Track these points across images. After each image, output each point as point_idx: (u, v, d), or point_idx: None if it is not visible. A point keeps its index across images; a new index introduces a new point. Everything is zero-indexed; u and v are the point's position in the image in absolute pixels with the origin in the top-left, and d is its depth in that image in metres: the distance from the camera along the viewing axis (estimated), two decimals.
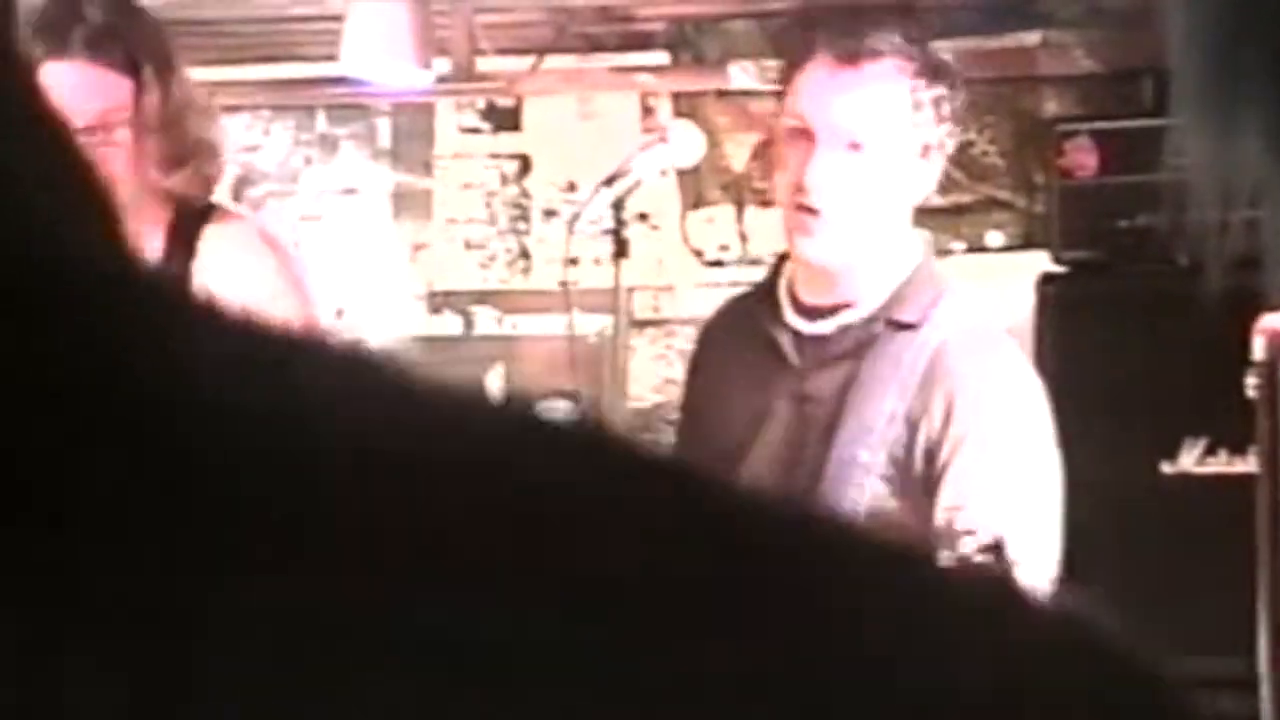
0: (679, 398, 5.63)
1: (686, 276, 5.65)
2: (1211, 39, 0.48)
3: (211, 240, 2.95)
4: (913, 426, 2.62)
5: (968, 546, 2.34)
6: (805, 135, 2.64)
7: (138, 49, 2.82)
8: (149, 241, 2.94)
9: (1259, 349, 3.19)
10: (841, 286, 2.70)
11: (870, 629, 0.39)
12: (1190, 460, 4.30)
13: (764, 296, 2.82)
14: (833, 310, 2.71)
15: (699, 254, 5.66)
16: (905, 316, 2.68)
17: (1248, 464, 3.88)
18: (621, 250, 2.75)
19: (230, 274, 2.94)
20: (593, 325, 4.29)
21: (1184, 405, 4.17)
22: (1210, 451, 4.26)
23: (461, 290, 5.76)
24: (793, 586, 0.39)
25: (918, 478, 2.61)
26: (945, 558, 2.38)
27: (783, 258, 2.84)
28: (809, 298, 2.74)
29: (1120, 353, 4.29)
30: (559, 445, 0.43)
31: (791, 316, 2.74)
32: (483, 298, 5.75)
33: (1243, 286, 0.57)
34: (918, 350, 2.64)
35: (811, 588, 0.39)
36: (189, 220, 2.95)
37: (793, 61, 2.69)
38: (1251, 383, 3.21)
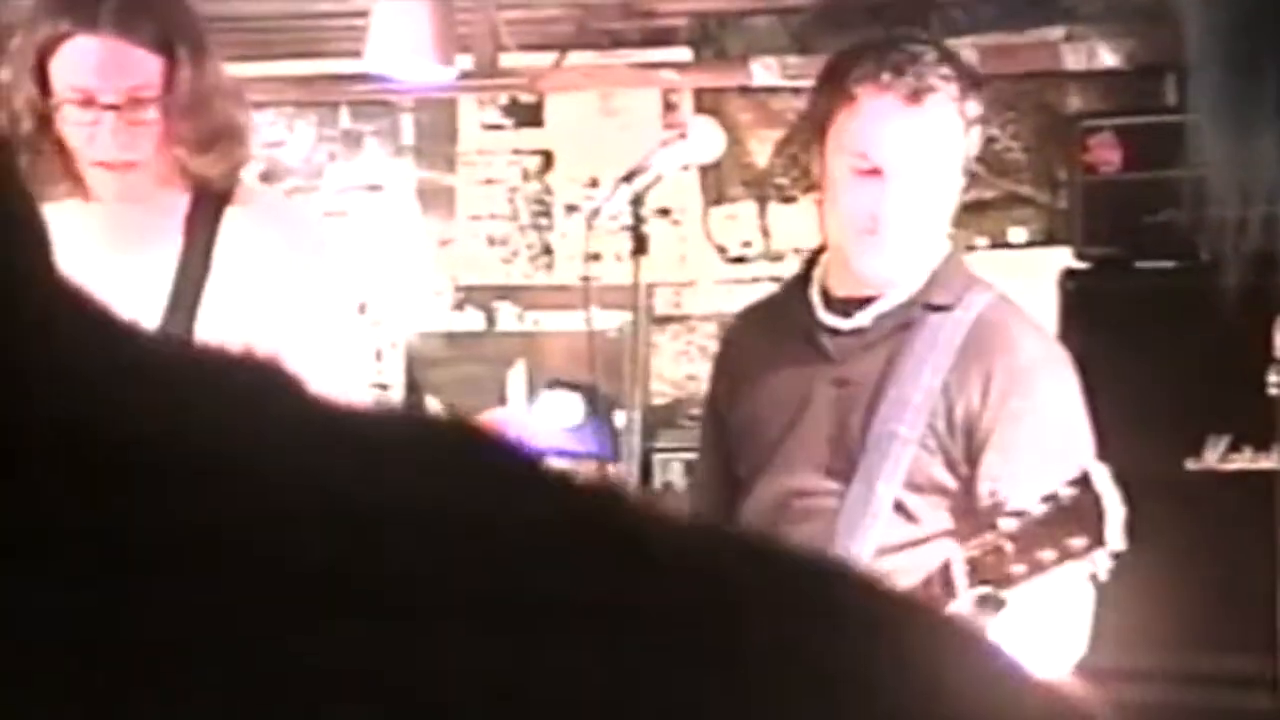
0: (700, 393, 5.64)
1: (708, 272, 5.65)
2: (1230, 38, 0.48)
3: (234, 220, 2.94)
4: (951, 400, 2.67)
5: (1057, 484, 2.43)
6: (873, 172, 2.66)
7: (169, 28, 2.80)
8: (170, 221, 2.92)
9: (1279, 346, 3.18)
10: (869, 276, 2.74)
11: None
12: (1214, 457, 4.29)
13: (796, 293, 2.83)
14: (866, 302, 2.74)
15: (721, 250, 5.66)
16: (940, 299, 2.73)
17: (1272, 460, 3.87)
18: (641, 246, 2.75)
19: (252, 254, 2.92)
20: (614, 321, 4.29)
21: (1207, 402, 4.16)
22: (1234, 448, 4.25)
23: (484, 286, 5.77)
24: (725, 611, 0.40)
25: (959, 449, 2.66)
26: (1031, 504, 2.48)
27: (815, 253, 2.85)
28: (841, 290, 2.77)
29: (1143, 349, 4.28)
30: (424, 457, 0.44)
31: (823, 314, 2.76)
32: (505, 293, 5.75)
33: (1267, 283, 0.57)
34: (954, 328, 2.70)
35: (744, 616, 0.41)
36: (212, 201, 2.94)
37: (842, 92, 2.68)
38: (1274, 380, 3.21)
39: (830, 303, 2.76)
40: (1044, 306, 4.64)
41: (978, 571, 2.46)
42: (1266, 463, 3.98)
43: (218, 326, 2.94)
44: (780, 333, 2.84)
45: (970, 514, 2.63)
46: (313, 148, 5.85)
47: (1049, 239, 5.11)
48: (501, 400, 5.59)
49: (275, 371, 0.44)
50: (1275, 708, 3.08)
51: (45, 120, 2.76)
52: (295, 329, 2.94)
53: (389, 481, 0.41)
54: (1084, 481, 2.43)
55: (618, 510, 0.43)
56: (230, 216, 2.94)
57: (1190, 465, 4.29)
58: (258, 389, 0.43)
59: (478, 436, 0.44)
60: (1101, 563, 2.56)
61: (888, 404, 2.68)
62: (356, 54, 4.95)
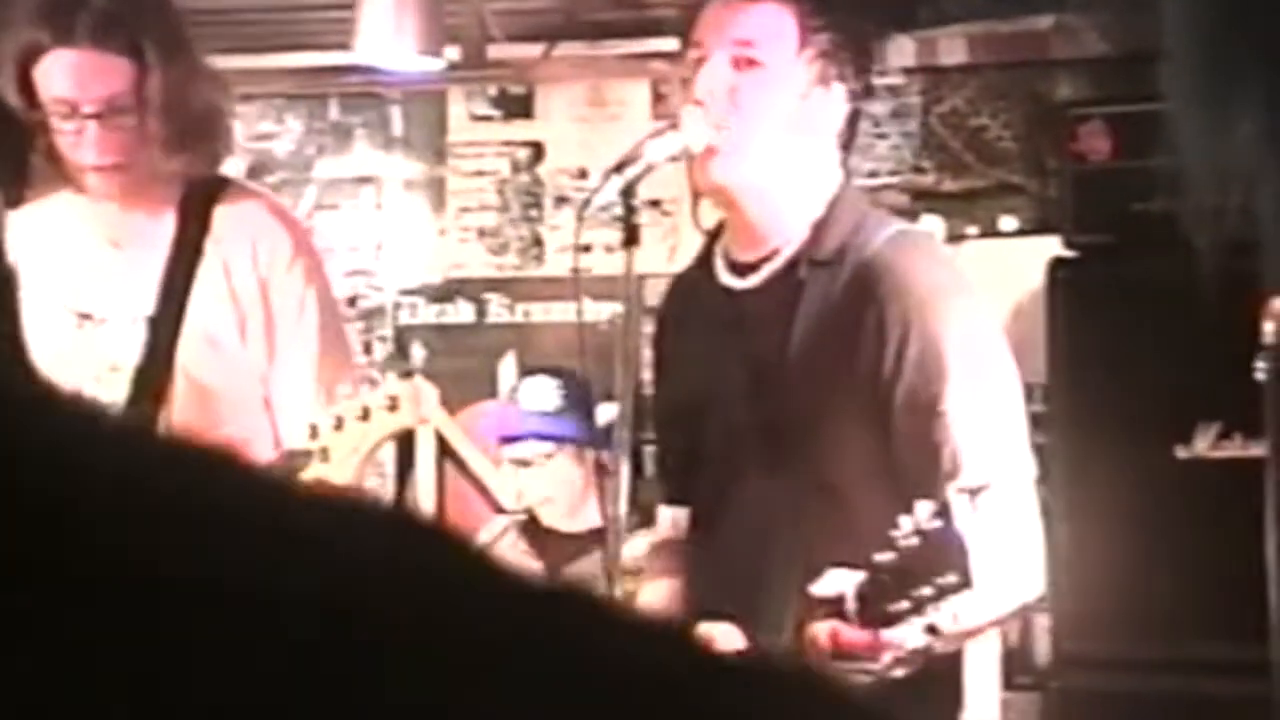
0: None
1: None
2: (1205, 26, 0.48)
3: (225, 216, 2.98)
4: (859, 363, 2.55)
5: (921, 512, 2.28)
6: (702, 60, 2.68)
7: (140, 31, 2.85)
8: (163, 215, 2.96)
9: (1269, 332, 3.18)
10: (766, 236, 2.67)
11: None
12: (1204, 444, 4.29)
13: (701, 263, 2.82)
14: (761, 263, 2.69)
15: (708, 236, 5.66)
16: (822, 254, 2.63)
17: (1262, 448, 3.87)
18: (632, 237, 2.75)
19: (244, 249, 2.96)
20: (605, 313, 4.30)
21: (1197, 390, 4.17)
22: (1224, 436, 4.26)
23: (474, 278, 5.77)
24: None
25: (882, 414, 2.54)
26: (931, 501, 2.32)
27: (720, 225, 2.83)
28: (739, 255, 2.72)
29: (1133, 337, 4.28)
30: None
31: (726, 276, 2.74)
32: (495, 285, 5.75)
33: (1255, 269, 0.57)
34: (840, 284, 2.59)
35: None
36: (201, 197, 2.98)
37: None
38: (1261, 366, 3.20)
39: (731, 267, 2.74)
40: (1033, 295, 4.65)
41: (867, 606, 2.26)
42: (1257, 450, 3.98)
43: (207, 319, 2.96)
44: (690, 304, 2.83)
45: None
46: (302, 140, 5.84)
47: (1039, 227, 5.11)
48: (492, 392, 5.58)
49: (226, 459, 0.45)
50: (1266, 694, 3.08)
51: (36, 126, 2.81)
52: (284, 324, 2.97)
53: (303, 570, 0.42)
54: (945, 513, 2.29)
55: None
56: (221, 213, 2.98)
57: (1180, 453, 4.29)
58: (208, 483, 0.44)
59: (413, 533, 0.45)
60: (965, 609, 2.28)
61: (801, 380, 2.59)
62: (345, 46, 4.94)
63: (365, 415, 2.80)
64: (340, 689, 0.40)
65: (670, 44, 5.61)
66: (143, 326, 2.96)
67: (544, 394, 4.53)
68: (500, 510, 5.57)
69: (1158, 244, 4.27)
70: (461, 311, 5.77)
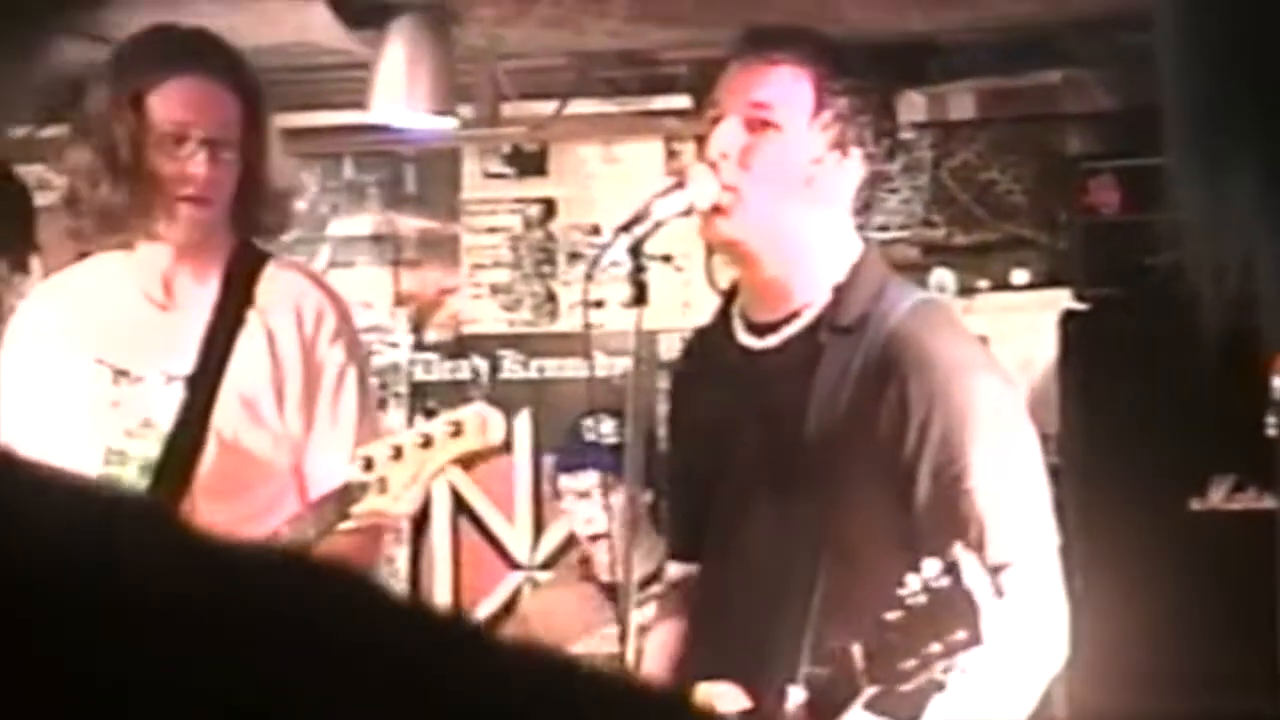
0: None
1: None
2: (1201, 83, 0.49)
3: (271, 283, 3.02)
4: (878, 432, 2.54)
5: (929, 570, 2.27)
6: (718, 119, 2.69)
7: (250, 79, 3.01)
8: (206, 282, 3.01)
9: (1277, 388, 3.18)
10: (784, 297, 2.67)
11: None
12: (1218, 497, 4.29)
13: (719, 321, 2.82)
14: (780, 324, 2.69)
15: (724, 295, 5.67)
16: (844, 320, 2.62)
17: (1275, 501, 3.87)
18: (641, 295, 2.76)
19: (289, 318, 2.99)
20: (618, 368, 4.31)
21: (1210, 442, 4.17)
22: (1238, 488, 4.26)
23: (488, 334, 5.78)
24: None
25: (902, 485, 2.53)
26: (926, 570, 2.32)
27: (735, 285, 2.84)
28: (757, 315, 2.73)
29: (1146, 390, 4.29)
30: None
31: (744, 336, 2.73)
32: (509, 341, 5.77)
33: (1266, 324, 0.58)
34: (863, 353, 2.57)
35: None
36: (247, 262, 3.03)
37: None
38: (1273, 421, 3.21)
39: (750, 328, 2.74)
40: (1045, 348, 4.66)
41: (874, 665, 2.29)
42: (1271, 502, 3.98)
43: (245, 383, 2.98)
44: (707, 362, 2.84)
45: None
46: (316, 199, 5.87)
47: (1050, 280, 5.12)
48: (506, 448, 5.59)
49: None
50: None
51: (140, 152, 2.89)
52: (324, 396, 3.01)
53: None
54: (953, 570, 2.26)
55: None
56: (266, 280, 3.02)
57: (1195, 505, 4.29)
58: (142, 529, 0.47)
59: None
60: (976, 664, 2.32)
61: (817, 442, 2.57)
62: (359, 106, 4.97)
63: (427, 443, 2.81)
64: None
65: (682, 101, 5.64)
66: (180, 386, 2.98)
67: (605, 429, 4.64)
68: (516, 566, 5.57)
69: (1169, 297, 4.29)
70: (475, 367, 5.78)
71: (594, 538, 4.61)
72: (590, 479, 4.60)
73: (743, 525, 2.68)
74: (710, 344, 2.85)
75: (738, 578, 2.68)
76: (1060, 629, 2.54)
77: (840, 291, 2.66)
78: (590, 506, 4.62)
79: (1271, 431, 3.18)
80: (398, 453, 2.80)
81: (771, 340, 2.70)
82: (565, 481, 4.74)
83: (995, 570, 2.36)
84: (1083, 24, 5.03)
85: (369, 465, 2.80)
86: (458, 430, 2.82)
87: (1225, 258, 0.52)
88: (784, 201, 2.66)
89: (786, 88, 2.67)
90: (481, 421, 2.85)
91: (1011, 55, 5.19)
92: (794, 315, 2.68)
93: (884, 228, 5.42)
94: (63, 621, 0.42)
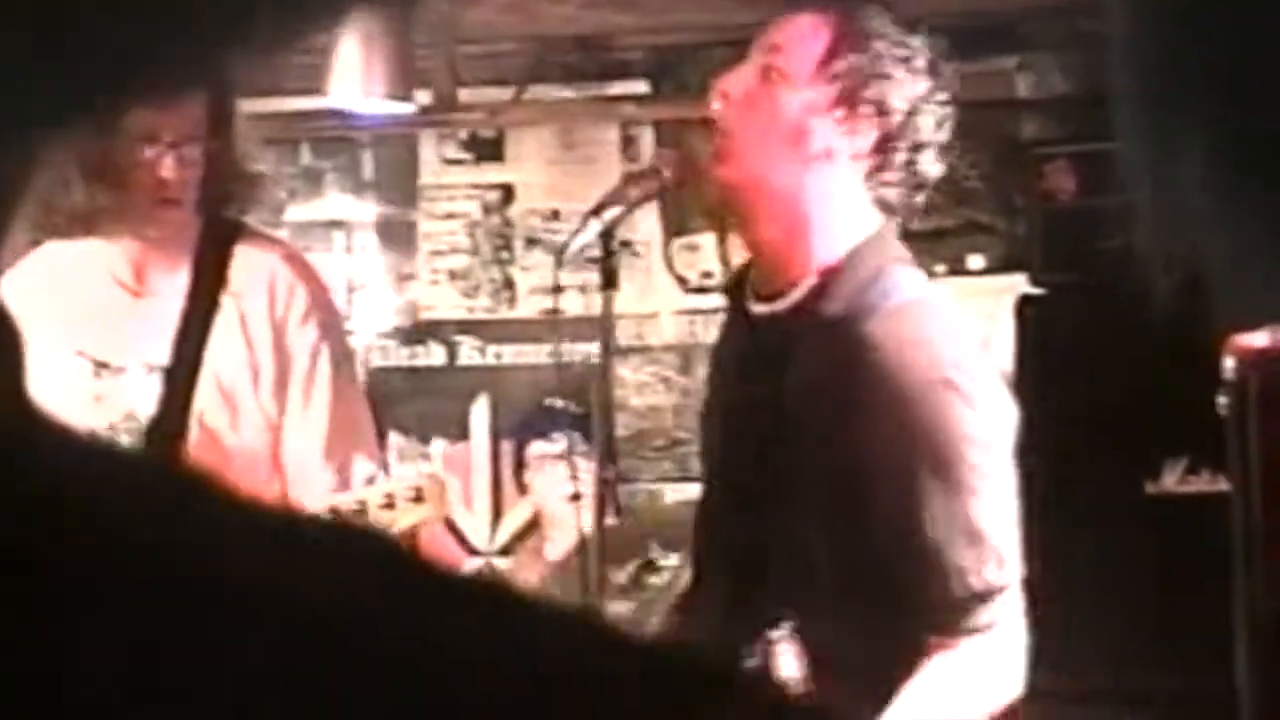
0: (664, 424, 5.65)
1: (669, 304, 5.67)
2: (1150, 67, 0.50)
3: (242, 264, 3.01)
4: (841, 430, 2.38)
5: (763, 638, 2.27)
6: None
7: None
8: (179, 266, 2.99)
9: (1229, 368, 3.20)
10: (782, 266, 2.51)
11: None
12: (1172, 480, 4.32)
13: (735, 287, 2.67)
14: (778, 295, 2.53)
15: (682, 281, 5.68)
16: (826, 310, 2.46)
17: (1228, 482, 3.89)
18: (611, 280, 2.76)
19: (260, 299, 2.98)
20: (577, 354, 4.31)
21: (1165, 426, 4.20)
22: (1192, 470, 4.29)
23: (445, 320, 5.78)
24: None
25: (859, 487, 2.38)
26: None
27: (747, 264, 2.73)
28: (760, 283, 2.58)
29: (1101, 374, 4.32)
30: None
31: (751, 301, 2.58)
32: (467, 327, 5.77)
33: (1215, 307, 0.59)
34: (828, 354, 2.41)
35: None
36: (219, 239, 3.01)
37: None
38: (1222, 402, 3.23)
39: (755, 294, 2.60)
40: (1002, 332, 4.68)
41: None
42: (1225, 485, 4.01)
43: (222, 369, 2.97)
44: (723, 338, 2.74)
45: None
46: (273, 184, 5.85)
47: (1007, 265, 5.14)
48: (464, 434, 5.59)
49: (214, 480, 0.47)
50: None
51: (109, 155, 2.87)
52: (296, 377, 3.00)
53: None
54: (767, 647, 2.24)
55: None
56: (238, 260, 3.01)
57: (1149, 488, 4.32)
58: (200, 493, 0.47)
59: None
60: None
61: (795, 434, 2.43)
62: (316, 91, 4.96)
63: (389, 504, 2.82)
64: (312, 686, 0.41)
65: (640, 86, 5.65)
66: (158, 376, 2.98)
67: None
68: (474, 553, 5.58)
69: (1125, 281, 4.31)
70: (433, 354, 5.78)
71: (574, 497, 4.61)
72: (560, 443, 4.65)
73: (725, 506, 2.61)
74: (730, 307, 2.70)
75: (720, 560, 2.60)
76: (1021, 661, 2.46)
77: (826, 276, 2.48)
78: (561, 470, 4.66)
79: (1223, 412, 3.20)
80: (362, 507, 2.81)
81: (766, 309, 2.54)
82: (536, 447, 4.76)
83: (982, 597, 2.34)
84: (1038, 9, 5.06)
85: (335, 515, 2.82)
86: (418, 496, 2.82)
87: (1174, 241, 0.53)
88: (780, 153, 2.51)
89: (802, 35, 2.54)
90: (439, 490, 2.85)
91: (967, 40, 5.21)
92: (791, 286, 2.52)
93: None
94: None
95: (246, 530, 0.45)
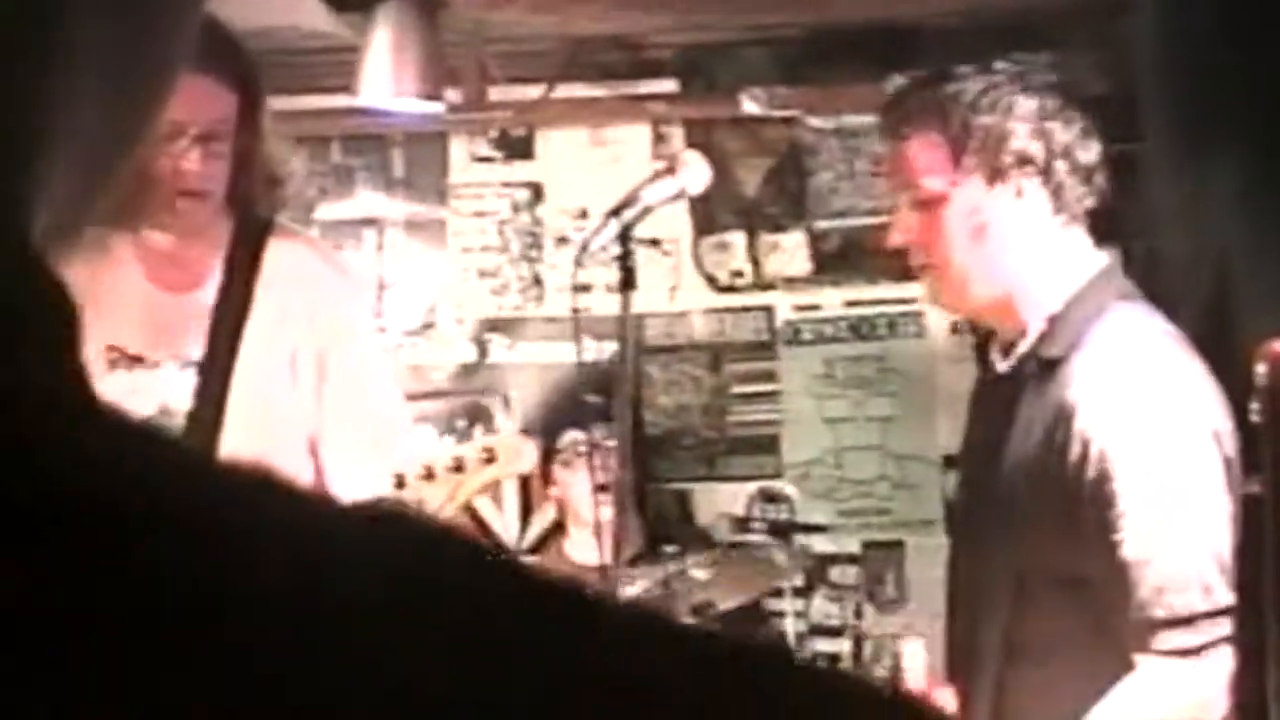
0: (691, 423, 5.64)
1: (699, 302, 5.67)
2: (1183, 74, 0.50)
3: (276, 260, 3.01)
4: (1069, 471, 2.43)
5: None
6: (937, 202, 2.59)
7: (244, 68, 2.94)
8: (212, 263, 3.00)
9: (1261, 374, 3.19)
10: (1012, 325, 2.60)
11: None
12: None
13: (981, 349, 2.78)
14: (1011, 346, 2.62)
15: (711, 280, 5.68)
16: (1052, 352, 2.51)
17: (1260, 485, 3.87)
18: (629, 280, 2.76)
19: (294, 290, 2.99)
20: (605, 353, 4.31)
21: None
22: None
23: (475, 318, 5.79)
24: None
25: (1088, 524, 2.43)
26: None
27: None
28: (1000, 342, 2.67)
29: None
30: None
31: (995, 354, 2.67)
32: (496, 325, 5.77)
33: (1248, 313, 0.59)
34: (1060, 388, 2.46)
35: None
36: (251, 236, 3.02)
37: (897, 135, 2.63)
38: (1255, 408, 3.21)
39: (999, 347, 2.68)
40: None
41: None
42: (1254, 488, 3.99)
43: (257, 364, 2.98)
44: (973, 402, 2.82)
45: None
46: (304, 183, 5.87)
47: None
48: (493, 431, 5.60)
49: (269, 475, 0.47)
50: None
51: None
52: (335, 373, 3.01)
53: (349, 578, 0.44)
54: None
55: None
56: (272, 252, 3.02)
57: None
58: (255, 485, 0.46)
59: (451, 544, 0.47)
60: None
61: (1011, 472, 2.51)
62: (347, 89, 4.97)
63: (459, 467, 2.83)
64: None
65: (669, 85, 5.64)
66: (194, 371, 2.98)
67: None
68: (502, 550, 5.60)
69: (1155, 286, 4.30)
70: (462, 351, 5.78)
71: (601, 488, 4.62)
72: (593, 434, 4.71)
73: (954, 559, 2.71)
74: (978, 360, 2.80)
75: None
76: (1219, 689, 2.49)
77: (1051, 323, 2.55)
78: (588, 469, 4.71)
79: (1255, 418, 3.19)
80: (429, 474, 2.81)
81: (1005, 363, 2.62)
82: (568, 437, 4.82)
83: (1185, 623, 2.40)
84: (1068, 10, 5.04)
85: (401, 483, 2.81)
86: (490, 457, 2.83)
87: (1204, 246, 0.53)
88: (977, 252, 2.56)
89: (921, 149, 2.58)
90: (515, 449, 2.87)
91: (996, 40, 5.19)
92: (1021, 337, 2.59)
93: (874, 212, 5.43)
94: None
95: (288, 521, 0.45)
